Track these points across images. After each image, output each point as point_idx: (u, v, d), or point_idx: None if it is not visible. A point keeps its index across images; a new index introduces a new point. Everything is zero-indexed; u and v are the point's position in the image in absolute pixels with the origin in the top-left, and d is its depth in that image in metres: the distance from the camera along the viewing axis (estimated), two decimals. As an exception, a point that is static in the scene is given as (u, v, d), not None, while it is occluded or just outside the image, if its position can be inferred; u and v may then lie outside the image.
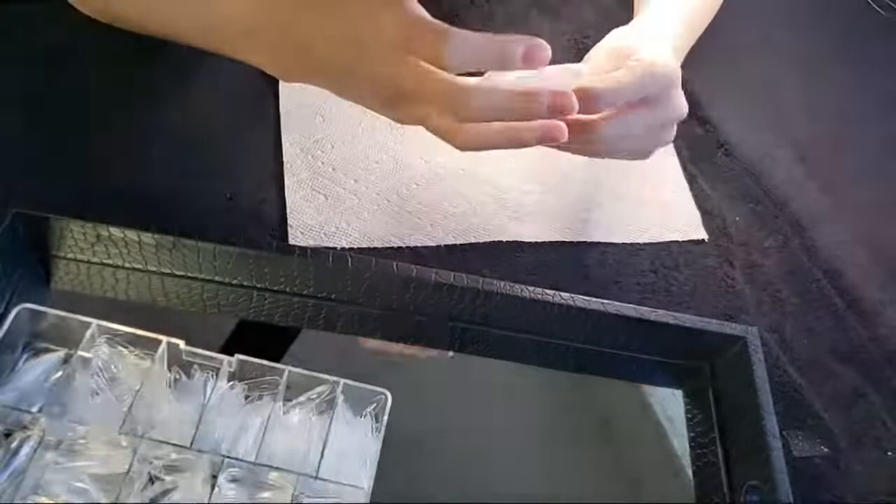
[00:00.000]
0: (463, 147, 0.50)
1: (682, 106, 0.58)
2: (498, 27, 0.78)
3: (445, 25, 0.47)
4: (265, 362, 0.50)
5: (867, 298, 0.67)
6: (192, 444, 0.47)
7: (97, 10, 0.63)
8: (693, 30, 0.69)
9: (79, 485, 0.46)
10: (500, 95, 0.48)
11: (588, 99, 0.52)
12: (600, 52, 0.60)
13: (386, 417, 0.50)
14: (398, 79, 0.48)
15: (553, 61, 0.76)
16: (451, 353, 0.58)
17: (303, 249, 0.54)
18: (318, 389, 0.51)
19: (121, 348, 0.50)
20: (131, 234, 0.52)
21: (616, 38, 0.61)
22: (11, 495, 0.44)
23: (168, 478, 0.47)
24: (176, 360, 0.51)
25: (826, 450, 0.58)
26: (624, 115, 0.55)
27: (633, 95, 0.55)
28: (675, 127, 0.60)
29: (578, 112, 0.50)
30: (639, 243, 0.65)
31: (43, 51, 0.63)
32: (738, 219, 0.70)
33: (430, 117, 0.50)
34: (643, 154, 0.61)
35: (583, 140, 0.55)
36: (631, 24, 0.64)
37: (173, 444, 0.47)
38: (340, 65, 0.50)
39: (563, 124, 0.50)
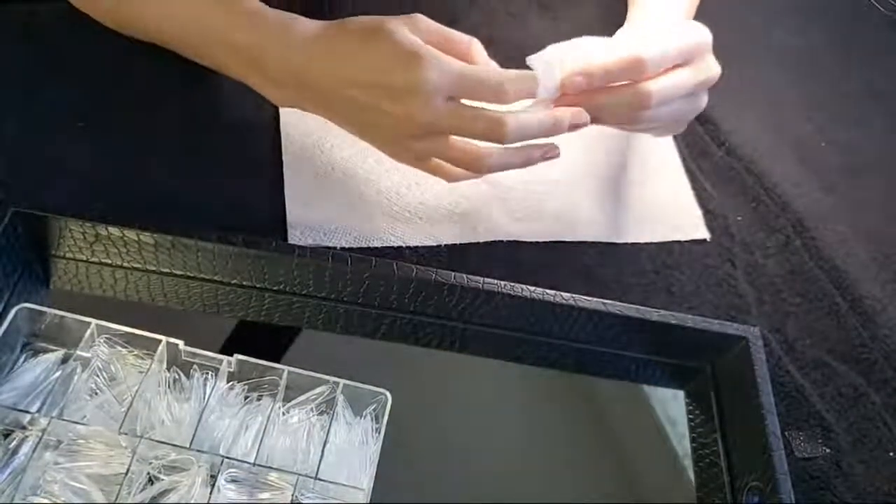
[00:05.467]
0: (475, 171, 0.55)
1: (716, 66, 0.59)
2: (498, 26, 0.78)
3: (497, 71, 0.53)
4: (265, 362, 0.50)
5: (869, 298, 0.67)
6: (191, 444, 0.47)
7: (102, 13, 0.63)
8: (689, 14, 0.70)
9: (78, 485, 0.46)
10: (531, 122, 0.53)
11: (636, 65, 0.54)
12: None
13: (386, 417, 0.50)
14: (435, 119, 0.51)
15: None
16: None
17: (302, 249, 0.54)
18: (318, 390, 0.51)
19: (120, 348, 0.50)
20: (130, 234, 0.52)
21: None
22: (10, 495, 0.44)
23: (167, 478, 0.47)
24: (175, 360, 0.51)
25: (828, 450, 0.58)
26: (671, 73, 0.56)
27: (677, 57, 0.56)
28: (706, 93, 0.60)
29: (627, 80, 0.55)
30: (640, 243, 0.65)
31: (42, 51, 0.63)
32: (739, 218, 0.70)
33: (448, 149, 0.53)
34: (680, 124, 0.63)
35: (631, 103, 0.56)
36: (635, 24, 0.64)
37: (172, 445, 0.46)
38: (359, 105, 0.52)
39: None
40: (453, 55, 0.52)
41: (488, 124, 0.51)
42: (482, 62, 0.55)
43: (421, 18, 0.53)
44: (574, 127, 0.55)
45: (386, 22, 0.51)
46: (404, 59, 0.50)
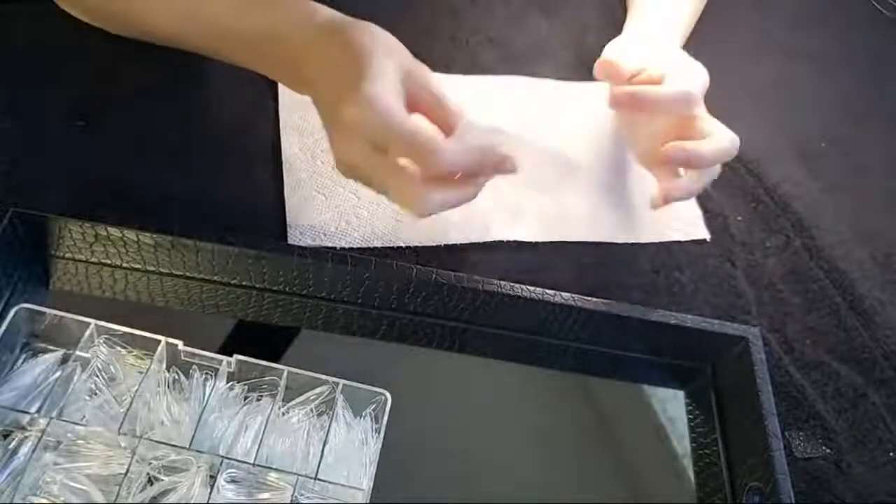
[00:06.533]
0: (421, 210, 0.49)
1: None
2: (498, 27, 0.78)
3: (427, 135, 0.46)
4: (264, 362, 0.50)
5: (869, 298, 0.67)
6: (190, 444, 0.47)
7: (97, 18, 0.62)
8: (686, 33, 0.70)
9: (77, 485, 0.46)
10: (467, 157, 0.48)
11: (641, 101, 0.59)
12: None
13: (386, 418, 0.50)
14: (350, 160, 0.48)
15: (552, 59, 0.76)
16: None
17: (302, 249, 0.54)
18: (318, 390, 0.51)
19: (119, 348, 0.50)
20: (130, 234, 0.52)
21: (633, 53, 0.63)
22: (10, 496, 0.44)
23: (167, 478, 0.47)
24: (175, 361, 0.51)
25: (828, 450, 0.58)
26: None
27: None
28: None
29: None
30: (640, 243, 0.65)
31: (43, 50, 0.63)
32: (739, 218, 0.70)
33: (390, 183, 0.49)
34: None
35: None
36: (634, 34, 0.65)
37: (172, 445, 0.46)
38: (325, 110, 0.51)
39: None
40: (438, 122, 0.48)
41: (402, 189, 0.47)
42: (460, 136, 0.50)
43: (424, 73, 0.50)
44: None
45: (377, 54, 0.48)
46: (354, 89, 0.46)
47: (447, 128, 0.50)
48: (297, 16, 0.53)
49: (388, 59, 0.48)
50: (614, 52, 0.64)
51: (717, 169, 0.61)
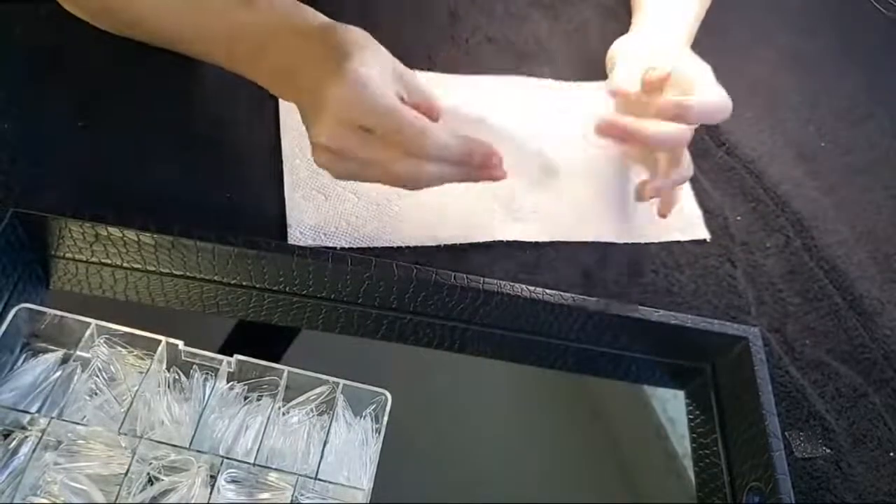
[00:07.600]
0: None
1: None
2: (498, 26, 0.78)
3: (416, 114, 0.48)
4: (264, 363, 0.50)
5: (868, 298, 0.67)
6: (191, 444, 0.47)
7: (91, 10, 0.62)
8: (693, 32, 0.70)
9: (78, 485, 0.46)
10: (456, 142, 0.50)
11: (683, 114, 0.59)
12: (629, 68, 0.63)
13: (386, 418, 0.50)
14: (333, 143, 0.48)
15: (552, 59, 0.76)
16: None
17: (302, 249, 0.54)
18: (318, 390, 0.51)
19: (120, 348, 0.50)
20: (130, 234, 0.52)
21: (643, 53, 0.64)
22: (10, 495, 0.44)
23: (167, 478, 0.47)
24: (175, 361, 0.51)
25: (828, 450, 0.58)
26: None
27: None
28: None
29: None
30: (640, 243, 0.65)
31: (43, 50, 0.63)
32: (739, 218, 0.70)
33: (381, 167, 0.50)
34: None
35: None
36: (640, 33, 0.65)
37: (172, 445, 0.46)
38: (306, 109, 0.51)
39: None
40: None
41: (394, 162, 0.49)
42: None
43: (412, 76, 0.50)
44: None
45: (366, 48, 0.49)
46: (339, 70, 0.47)
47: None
48: (271, 15, 0.53)
49: (376, 54, 0.49)
50: (620, 47, 0.66)
51: (687, 158, 0.63)
